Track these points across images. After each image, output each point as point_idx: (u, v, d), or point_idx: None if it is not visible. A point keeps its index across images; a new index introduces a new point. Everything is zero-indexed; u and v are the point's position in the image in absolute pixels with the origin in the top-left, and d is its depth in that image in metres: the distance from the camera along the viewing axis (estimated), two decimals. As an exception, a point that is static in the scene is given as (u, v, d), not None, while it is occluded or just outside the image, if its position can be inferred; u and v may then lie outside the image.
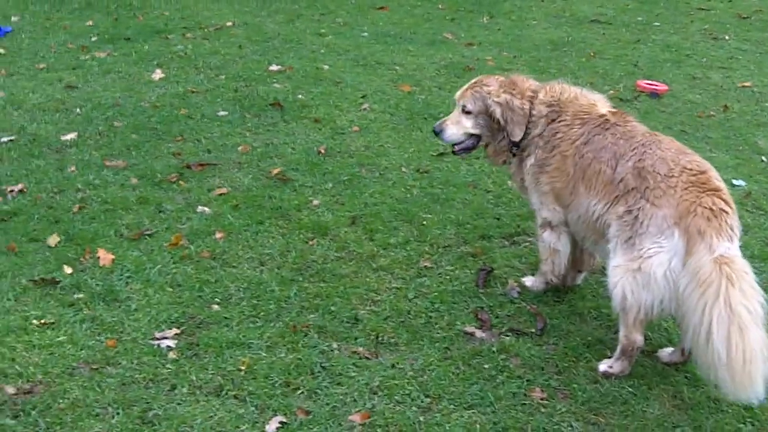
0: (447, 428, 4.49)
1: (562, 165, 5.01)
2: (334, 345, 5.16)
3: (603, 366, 4.90)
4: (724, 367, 3.99)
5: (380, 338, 5.23)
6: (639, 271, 4.46)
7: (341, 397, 4.74)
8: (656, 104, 9.51)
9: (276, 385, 4.81)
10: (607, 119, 4.95)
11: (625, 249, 4.59)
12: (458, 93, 5.43)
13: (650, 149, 4.57)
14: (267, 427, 4.49)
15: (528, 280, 5.72)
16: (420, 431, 4.48)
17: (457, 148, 5.47)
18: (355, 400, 4.71)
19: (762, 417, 4.57)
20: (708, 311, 4.04)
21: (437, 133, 5.45)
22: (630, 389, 4.79)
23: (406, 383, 4.83)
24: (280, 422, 4.52)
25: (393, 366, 4.98)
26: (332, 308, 5.51)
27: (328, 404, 4.68)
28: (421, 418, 4.56)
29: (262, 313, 5.46)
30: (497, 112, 5.20)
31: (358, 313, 5.46)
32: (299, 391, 4.77)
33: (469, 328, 5.33)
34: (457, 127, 5.36)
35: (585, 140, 4.92)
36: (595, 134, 4.90)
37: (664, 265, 4.39)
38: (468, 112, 5.31)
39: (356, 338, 5.23)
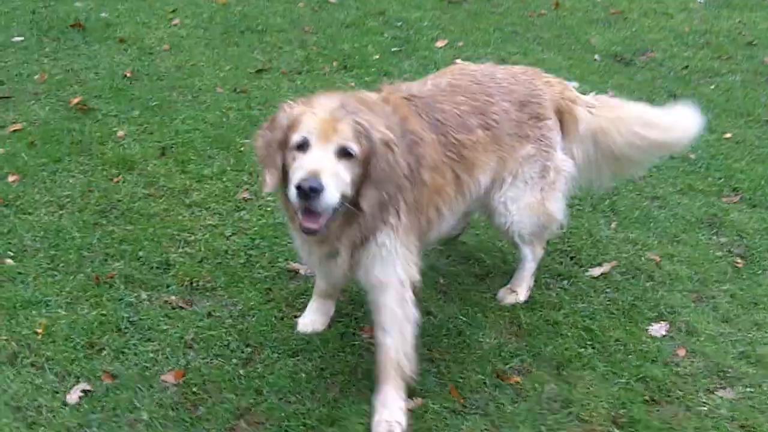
0: (270, 380, 4.10)
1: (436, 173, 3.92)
2: (143, 295, 4.64)
3: (512, 298, 4.68)
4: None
5: (195, 284, 4.75)
6: (557, 190, 4.38)
7: (152, 355, 4.26)
8: (486, 5, 9.18)
9: (78, 347, 4.27)
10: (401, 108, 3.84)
11: (541, 177, 4.33)
12: (319, 124, 3.44)
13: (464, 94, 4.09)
14: (68, 397, 3.98)
15: None
16: (241, 386, 4.07)
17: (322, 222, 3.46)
18: (167, 358, 4.24)
19: (602, 338, 4.43)
20: None
21: (312, 190, 3.28)
22: (464, 319, 4.55)
23: (224, 333, 4.40)
24: (83, 390, 4.01)
25: (209, 315, 4.52)
26: (140, 253, 4.96)
27: (137, 365, 4.19)
28: (242, 371, 4.15)
29: (61, 265, 4.85)
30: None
31: (169, 257, 4.93)
32: (104, 353, 4.26)
33: (293, 265, 4.91)
34: (338, 181, 3.39)
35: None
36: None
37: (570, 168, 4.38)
38: (349, 155, 3.43)
39: (168, 286, 4.72)
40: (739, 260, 5.13)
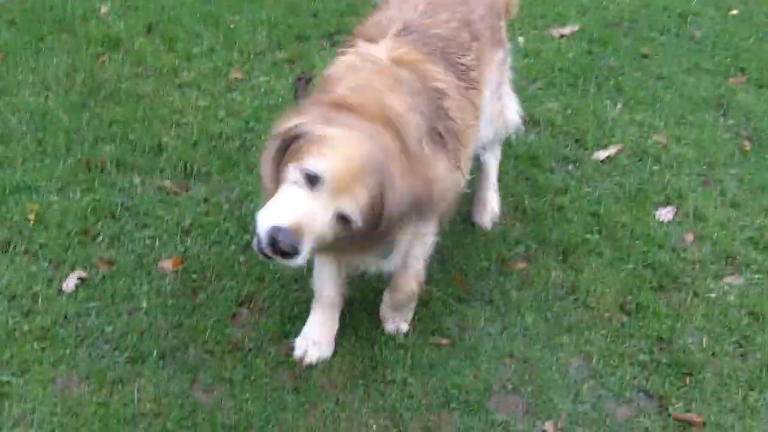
0: (271, 267, 3.97)
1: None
2: (137, 180, 4.48)
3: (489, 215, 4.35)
4: None
5: (189, 168, 4.58)
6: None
7: (149, 241, 4.13)
8: None
9: (72, 234, 4.13)
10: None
11: (502, 84, 4.06)
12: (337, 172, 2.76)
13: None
14: (64, 284, 3.86)
15: None
16: (241, 273, 3.97)
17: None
18: (164, 244, 4.11)
19: (609, 224, 4.33)
20: None
21: (281, 253, 2.74)
22: (467, 206, 4.38)
23: (222, 219, 4.26)
24: (79, 278, 3.88)
25: (206, 200, 4.38)
26: (131, 136, 4.77)
27: (133, 252, 4.06)
28: (242, 258, 4.04)
29: (49, 149, 4.66)
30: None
31: (161, 140, 4.74)
32: (99, 239, 4.12)
33: (289, 148, 4.69)
34: (318, 242, 2.82)
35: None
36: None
37: None
38: (347, 221, 2.81)
39: (161, 170, 4.56)
40: (746, 143, 5.00)
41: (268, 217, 2.72)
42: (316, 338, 3.61)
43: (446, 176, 3.13)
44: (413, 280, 3.60)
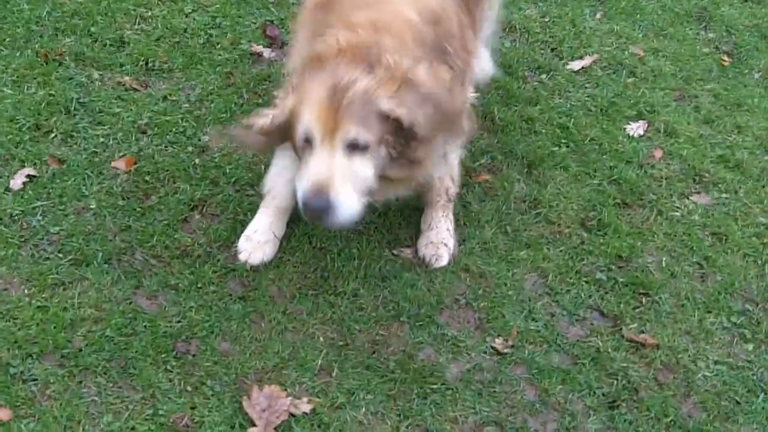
0: (227, 171, 3.70)
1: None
2: (95, 75, 4.12)
3: None
4: None
5: (150, 64, 4.21)
6: None
7: (102, 139, 3.81)
8: None
9: (24, 129, 3.81)
10: None
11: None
12: (317, 118, 2.72)
13: None
14: (11, 182, 3.56)
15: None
16: (196, 176, 3.67)
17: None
18: (119, 143, 3.80)
19: (578, 137, 4.03)
20: None
21: (320, 211, 2.71)
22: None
23: (181, 119, 3.93)
24: (28, 175, 3.59)
25: (165, 98, 4.04)
26: (92, 29, 4.38)
27: (86, 149, 3.75)
28: (197, 160, 3.74)
29: (7, 40, 4.28)
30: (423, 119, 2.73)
31: (123, 34, 4.36)
32: (52, 135, 3.81)
33: (256, 47, 4.37)
34: (355, 185, 2.73)
35: None
36: None
37: None
38: (361, 148, 2.71)
39: (122, 65, 4.19)
40: (725, 58, 4.65)
41: (299, 195, 2.73)
42: (261, 239, 3.33)
43: (456, 86, 2.90)
44: (448, 178, 3.37)
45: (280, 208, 3.35)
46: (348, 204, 2.66)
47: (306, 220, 2.73)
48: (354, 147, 2.67)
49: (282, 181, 3.32)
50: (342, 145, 2.66)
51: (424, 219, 3.45)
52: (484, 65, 3.76)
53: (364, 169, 2.70)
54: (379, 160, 2.72)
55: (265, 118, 2.88)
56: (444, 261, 3.34)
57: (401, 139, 2.71)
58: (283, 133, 2.85)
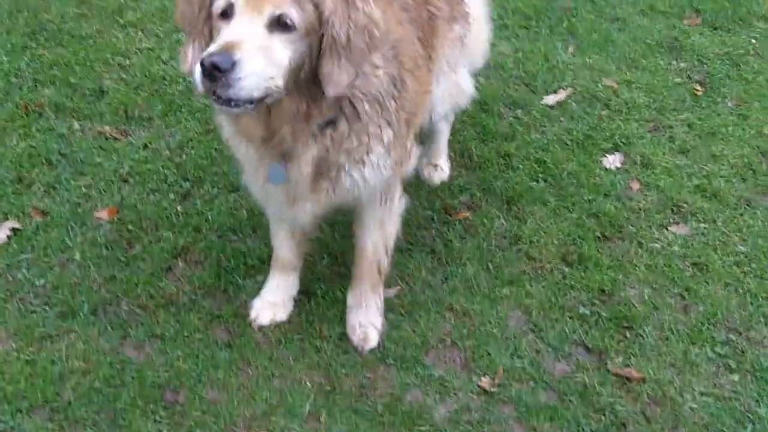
0: (209, 218, 3.72)
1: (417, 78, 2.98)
2: (76, 125, 4.16)
3: (440, 174, 4.04)
4: None
5: (130, 113, 4.26)
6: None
7: (85, 190, 3.83)
8: None
9: (6, 181, 3.84)
10: None
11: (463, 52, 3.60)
12: None
13: None
14: (-4, 236, 3.54)
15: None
16: (179, 223, 3.68)
17: (249, 105, 2.40)
18: (101, 193, 3.82)
19: (555, 171, 4.07)
20: None
21: (219, 69, 2.26)
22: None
23: (162, 167, 3.96)
24: (12, 228, 3.60)
25: (146, 146, 4.07)
26: (72, 79, 4.42)
27: (69, 201, 3.77)
28: (179, 208, 3.76)
29: (-13, 92, 4.27)
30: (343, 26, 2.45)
31: (103, 83, 4.40)
32: (34, 187, 3.83)
33: (235, 92, 4.35)
34: (266, 60, 2.36)
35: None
36: None
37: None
38: (287, 27, 2.40)
39: (102, 115, 4.23)
40: (698, 87, 4.72)
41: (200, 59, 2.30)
42: (271, 300, 3.33)
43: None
44: (381, 243, 3.19)
45: (284, 268, 3.34)
46: (253, 70, 2.26)
47: (201, 93, 2.35)
48: (277, 24, 2.35)
49: (282, 239, 3.29)
50: (267, 19, 2.33)
51: (352, 297, 3.29)
52: (463, 85, 3.69)
53: (282, 50, 2.36)
54: (295, 53, 2.39)
55: None
56: (373, 343, 3.22)
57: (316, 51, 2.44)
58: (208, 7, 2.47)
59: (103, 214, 3.70)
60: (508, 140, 4.23)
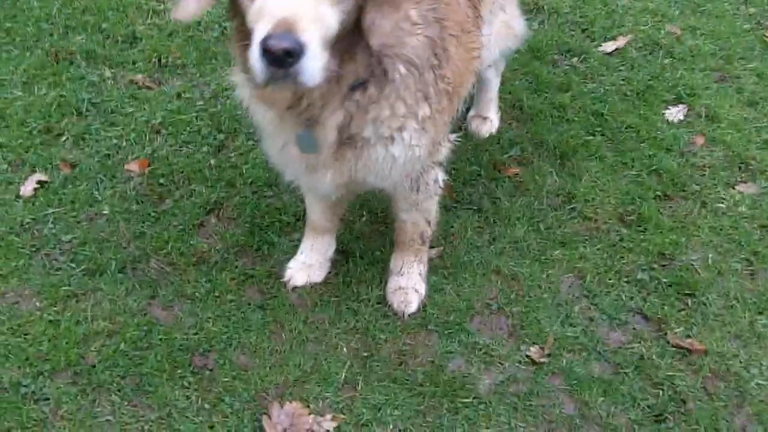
0: (244, 171, 3.50)
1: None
2: (107, 73, 3.94)
3: (488, 126, 3.73)
4: None
5: (163, 61, 4.02)
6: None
7: (115, 141, 3.63)
8: None
9: (34, 132, 3.65)
10: None
11: None
12: None
13: None
14: (22, 188, 3.40)
15: None
16: (212, 177, 3.48)
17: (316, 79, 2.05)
18: (132, 144, 3.61)
19: (613, 125, 3.78)
20: None
21: (289, 54, 1.94)
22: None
23: (195, 117, 3.74)
24: (39, 181, 3.42)
25: (179, 96, 3.84)
26: (104, 25, 4.20)
27: (98, 152, 3.57)
28: (213, 161, 3.53)
29: (17, 39, 4.12)
30: None
31: (135, 30, 4.18)
32: (63, 138, 3.63)
33: (273, 38, 4.09)
34: (324, 31, 2.03)
35: None
36: None
37: None
38: None
39: (134, 63, 4.01)
40: (768, 33, 4.32)
41: (256, 38, 1.95)
42: (306, 261, 3.11)
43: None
44: (420, 219, 2.95)
45: (317, 230, 3.10)
46: (317, 51, 1.96)
47: (262, 80, 1.99)
48: None
49: (316, 206, 3.04)
50: None
51: (394, 262, 3.06)
52: (514, 25, 3.32)
53: (332, 14, 2.02)
54: (343, 14, 2.05)
55: None
56: (413, 307, 2.99)
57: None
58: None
59: (133, 167, 3.50)
60: (562, 91, 3.92)
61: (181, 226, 3.27)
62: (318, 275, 3.10)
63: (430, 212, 2.94)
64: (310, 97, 2.26)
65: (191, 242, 3.22)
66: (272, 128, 2.47)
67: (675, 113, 3.82)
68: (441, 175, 2.84)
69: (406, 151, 2.49)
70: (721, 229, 3.32)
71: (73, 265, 3.13)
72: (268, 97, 2.32)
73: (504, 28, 3.26)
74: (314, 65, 1.97)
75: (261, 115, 2.47)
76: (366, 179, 2.57)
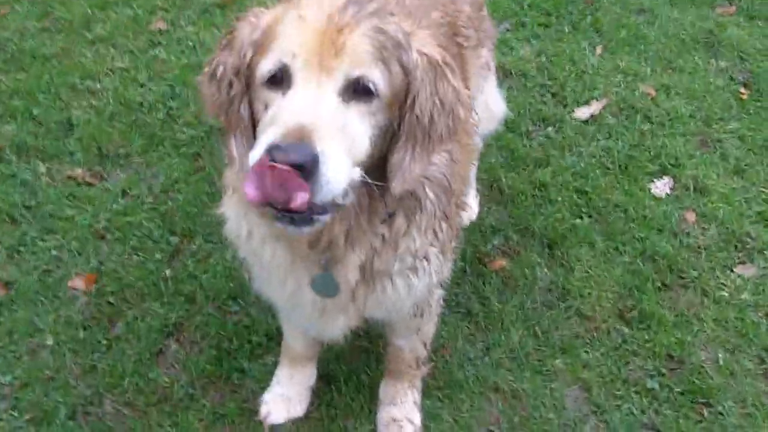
0: (204, 282, 3.09)
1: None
2: (42, 169, 3.54)
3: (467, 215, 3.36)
4: None
5: (104, 150, 3.61)
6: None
7: (55, 252, 3.23)
8: None
9: (-39, 245, 3.16)
10: None
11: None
12: (305, 41, 1.69)
13: None
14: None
15: None
16: (168, 292, 3.07)
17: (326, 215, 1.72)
18: (75, 255, 3.21)
19: (598, 204, 3.53)
20: None
21: (299, 167, 1.55)
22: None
23: (144, 218, 3.34)
24: (-31, 305, 2.94)
25: (124, 193, 3.46)
26: (35, 111, 3.78)
27: (36, 267, 3.16)
28: (168, 271, 3.15)
29: (-64, 132, 3.61)
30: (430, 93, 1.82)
31: (71, 114, 3.76)
32: (-7, 252, 3.16)
33: (224, 118, 3.71)
34: (347, 143, 1.68)
35: None
36: None
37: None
38: (367, 94, 1.72)
39: (72, 154, 3.62)
40: (743, 90, 4.14)
41: (261, 146, 1.60)
42: (284, 393, 2.73)
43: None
44: (419, 343, 2.62)
45: (296, 359, 2.74)
46: (337, 168, 1.60)
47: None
48: (356, 91, 1.70)
49: (290, 329, 2.67)
50: (341, 83, 1.68)
51: (385, 390, 2.73)
52: (493, 107, 3.07)
53: (361, 127, 1.71)
54: (375, 129, 1.74)
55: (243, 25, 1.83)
56: None
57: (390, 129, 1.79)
58: (246, 77, 1.80)
59: (78, 283, 3.09)
60: (541, 166, 3.64)
61: (137, 356, 2.88)
62: (299, 409, 2.74)
63: (429, 335, 2.62)
64: (330, 233, 1.88)
65: (150, 375, 2.83)
66: (283, 270, 2.07)
67: (661, 187, 3.58)
68: (442, 293, 2.51)
69: (427, 279, 2.17)
70: (726, 322, 3.07)
71: (15, 413, 2.71)
72: (281, 233, 1.89)
73: (484, 111, 2.96)
74: (333, 183, 1.59)
75: (270, 255, 2.05)
76: (374, 315, 2.23)
